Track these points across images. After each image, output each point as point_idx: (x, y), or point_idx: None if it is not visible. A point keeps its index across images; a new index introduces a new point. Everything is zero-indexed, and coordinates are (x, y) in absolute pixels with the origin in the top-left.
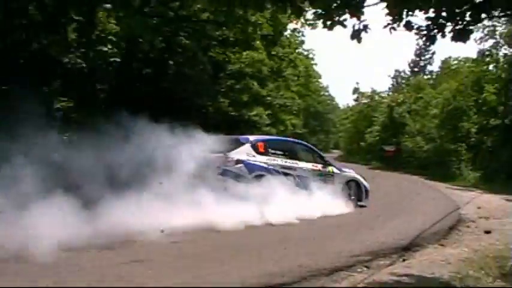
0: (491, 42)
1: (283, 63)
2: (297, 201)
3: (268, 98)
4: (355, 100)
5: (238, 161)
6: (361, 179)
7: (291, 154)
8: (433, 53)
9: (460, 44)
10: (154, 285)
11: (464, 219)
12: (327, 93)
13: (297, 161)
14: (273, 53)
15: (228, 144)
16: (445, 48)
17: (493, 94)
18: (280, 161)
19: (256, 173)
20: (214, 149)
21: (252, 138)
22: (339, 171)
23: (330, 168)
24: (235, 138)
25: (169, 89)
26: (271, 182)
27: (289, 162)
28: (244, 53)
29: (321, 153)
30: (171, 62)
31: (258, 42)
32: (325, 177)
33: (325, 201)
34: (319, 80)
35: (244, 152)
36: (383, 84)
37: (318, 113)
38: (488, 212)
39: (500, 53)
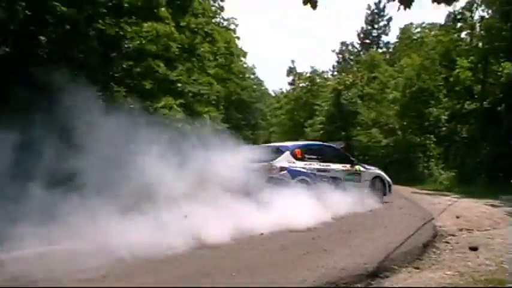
0: (463, 2)
1: (197, 37)
2: (333, 201)
3: (179, 85)
4: (291, 84)
5: (282, 168)
6: (385, 175)
7: (323, 157)
8: (389, 19)
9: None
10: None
11: (441, 233)
12: (253, 76)
13: (329, 163)
14: (183, 24)
15: (270, 153)
16: (404, 12)
17: (467, 70)
18: (316, 165)
19: (298, 177)
20: (259, 158)
21: (290, 145)
22: (364, 169)
23: (357, 167)
24: (275, 147)
25: (40, 75)
26: (311, 185)
27: (323, 165)
28: (145, 25)
29: (347, 154)
30: (42, 38)
31: (163, 10)
32: (353, 175)
33: (355, 199)
34: (243, 58)
35: (285, 160)
36: (326, 61)
37: (242, 102)
38: (471, 222)
39: (476, 16)
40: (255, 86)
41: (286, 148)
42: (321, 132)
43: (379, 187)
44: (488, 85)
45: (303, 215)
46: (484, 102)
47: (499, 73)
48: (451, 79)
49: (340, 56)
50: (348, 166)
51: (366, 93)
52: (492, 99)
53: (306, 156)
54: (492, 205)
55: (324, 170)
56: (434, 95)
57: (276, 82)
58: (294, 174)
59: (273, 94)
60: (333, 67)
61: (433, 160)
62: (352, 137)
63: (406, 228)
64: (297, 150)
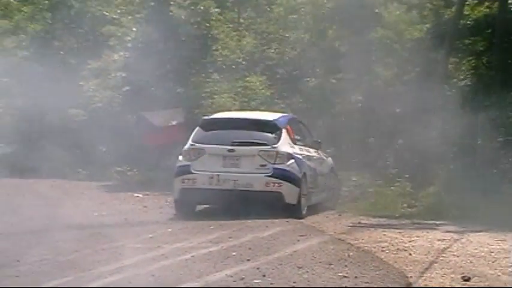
0: None
1: None
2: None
3: None
4: None
5: (289, 156)
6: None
7: (303, 138)
8: None
9: None
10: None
11: None
12: None
13: (308, 148)
14: None
15: (254, 131)
16: None
17: None
18: (305, 151)
19: (303, 171)
20: (238, 137)
21: (280, 118)
22: (324, 157)
23: (320, 153)
24: (264, 121)
25: None
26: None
27: (305, 150)
28: None
29: (311, 132)
30: None
31: None
32: (322, 165)
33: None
34: None
35: (287, 143)
36: None
37: None
38: None
39: None
40: None
41: (282, 123)
42: None
43: (335, 182)
44: None
45: None
46: None
47: None
48: None
49: None
50: (318, 152)
51: None
52: None
53: (295, 136)
54: None
55: (310, 158)
56: None
57: None
58: (300, 165)
59: None
60: None
61: None
62: None
63: None
64: (289, 128)
